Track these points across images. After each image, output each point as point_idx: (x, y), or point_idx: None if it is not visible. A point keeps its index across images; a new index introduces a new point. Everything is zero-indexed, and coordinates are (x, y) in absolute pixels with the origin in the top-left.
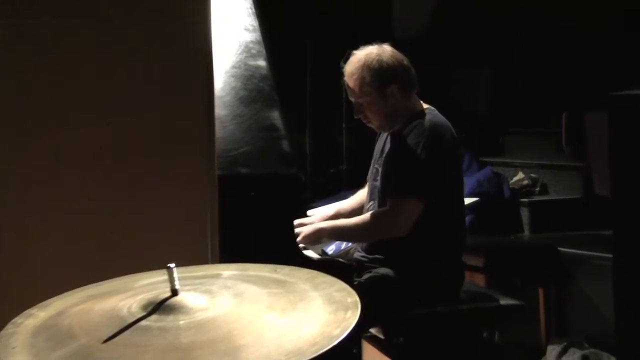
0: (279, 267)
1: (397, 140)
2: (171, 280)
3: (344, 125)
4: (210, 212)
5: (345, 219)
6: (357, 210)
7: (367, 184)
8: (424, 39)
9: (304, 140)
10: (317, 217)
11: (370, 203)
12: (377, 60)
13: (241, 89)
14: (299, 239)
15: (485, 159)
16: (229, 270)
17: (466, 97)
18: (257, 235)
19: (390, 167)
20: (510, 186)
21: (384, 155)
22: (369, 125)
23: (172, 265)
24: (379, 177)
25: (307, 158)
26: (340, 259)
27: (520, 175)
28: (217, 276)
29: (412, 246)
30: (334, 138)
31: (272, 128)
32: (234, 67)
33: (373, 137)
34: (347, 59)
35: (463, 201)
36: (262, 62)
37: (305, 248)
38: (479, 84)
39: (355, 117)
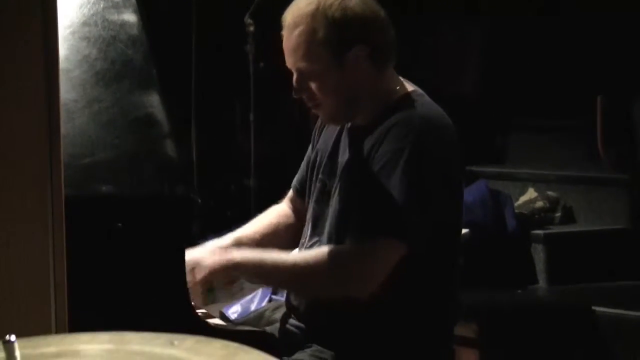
0: (177, 338)
1: (364, 142)
2: None
3: (251, 116)
4: (52, 254)
5: (272, 251)
6: (265, 244)
7: (295, 201)
8: None
9: (188, 141)
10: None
11: (314, 240)
12: (340, 5)
13: (98, 58)
14: (199, 278)
15: (476, 169)
16: (96, 344)
17: (442, 71)
18: (132, 289)
19: (351, 183)
20: (517, 211)
21: (340, 164)
22: (315, 111)
23: (12, 337)
24: (333, 198)
25: (193, 168)
26: (248, 327)
27: (532, 193)
28: (76, 354)
29: (382, 313)
30: (234, 136)
31: (149, 121)
32: (85, 23)
33: (302, 135)
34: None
35: (461, 244)
36: (130, 16)
37: (202, 303)
38: (461, 48)
39: (295, 96)
